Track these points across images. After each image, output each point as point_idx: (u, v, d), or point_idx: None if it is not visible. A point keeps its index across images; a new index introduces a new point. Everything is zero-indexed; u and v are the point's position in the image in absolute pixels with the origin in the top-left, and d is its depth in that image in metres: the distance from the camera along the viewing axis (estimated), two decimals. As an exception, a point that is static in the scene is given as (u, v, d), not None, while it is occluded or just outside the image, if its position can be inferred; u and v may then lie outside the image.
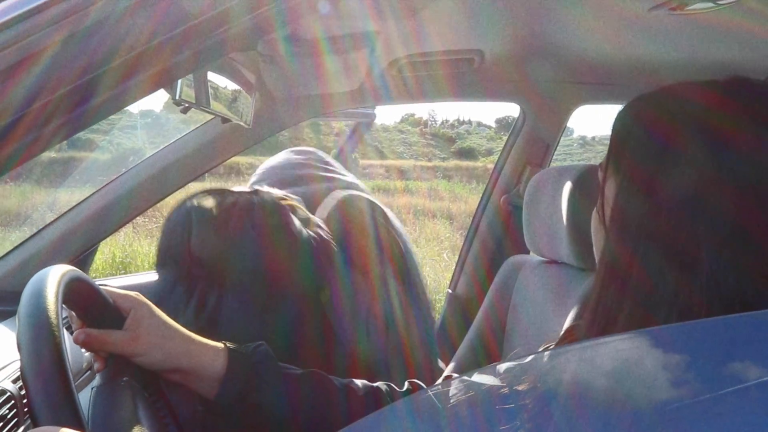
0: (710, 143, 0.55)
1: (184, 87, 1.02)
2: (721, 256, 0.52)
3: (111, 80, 0.55)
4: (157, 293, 1.00)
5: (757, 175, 0.53)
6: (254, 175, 1.38)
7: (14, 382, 0.99)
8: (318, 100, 1.70)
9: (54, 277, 0.64)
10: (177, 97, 1.01)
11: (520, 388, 0.41)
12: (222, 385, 0.78)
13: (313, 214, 1.16)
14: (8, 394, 0.95)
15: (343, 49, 1.23)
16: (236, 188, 1.12)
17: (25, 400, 0.63)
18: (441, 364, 1.35)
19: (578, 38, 1.47)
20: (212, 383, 0.78)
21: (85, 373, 1.26)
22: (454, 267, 2.29)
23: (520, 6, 1.25)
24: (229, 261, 1.01)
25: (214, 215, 1.02)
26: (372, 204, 1.23)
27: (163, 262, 1.06)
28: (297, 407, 0.81)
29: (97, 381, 0.75)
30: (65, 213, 1.56)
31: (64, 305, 0.65)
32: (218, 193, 1.06)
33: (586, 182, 1.33)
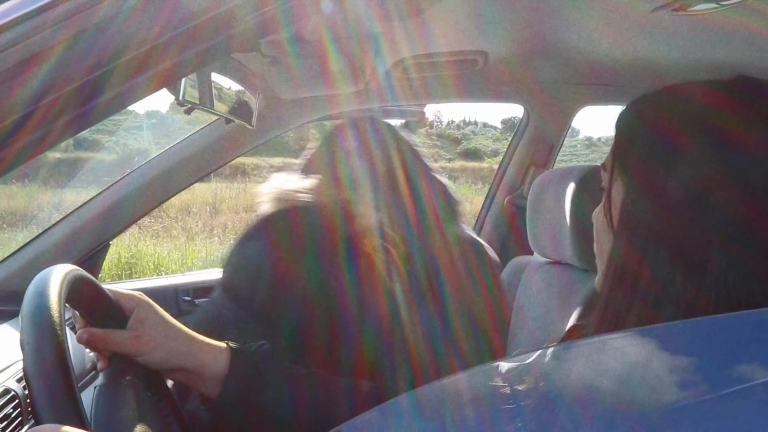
0: (715, 143, 0.55)
1: (188, 87, 1.02)
2: (729, 256, 0.52)
3: (117, 78, 0.55)
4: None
5: (763, 174, 0.53)
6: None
7: (18, 381, 0.99)
8: (322, 101, 1.70)
9: (57, 276, 0.64)
10: (180, 98, 1.01)
11: (521, 387, 0.41)
12: (224, 384, 0.78)
13: None
14: (12, 393, 0.96)
15: (347, 50, 1.23)
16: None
17: (28, 400, 0.63)
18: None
19: (582, 39, 1.46)
20: (215, 382, 0.78)
21: (90, 372, 1.26)
22: (458, 267, 2.28)
23: (524, 7, 1.25)
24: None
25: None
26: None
27: None
28: (300, 407, 0.81)
29: (100, 380, 0.75)
30: (71, 213, 1.57)
31: (67, 305, 0.65)
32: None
33: (589, 183, 1.32)
